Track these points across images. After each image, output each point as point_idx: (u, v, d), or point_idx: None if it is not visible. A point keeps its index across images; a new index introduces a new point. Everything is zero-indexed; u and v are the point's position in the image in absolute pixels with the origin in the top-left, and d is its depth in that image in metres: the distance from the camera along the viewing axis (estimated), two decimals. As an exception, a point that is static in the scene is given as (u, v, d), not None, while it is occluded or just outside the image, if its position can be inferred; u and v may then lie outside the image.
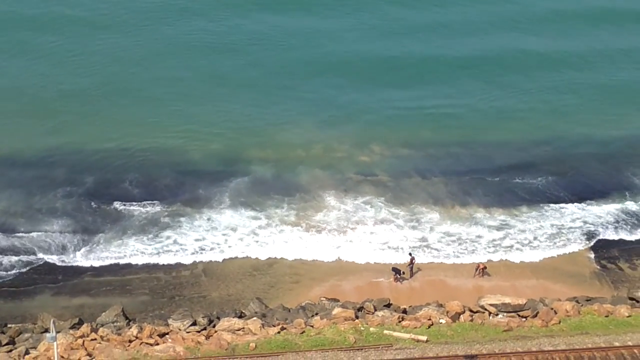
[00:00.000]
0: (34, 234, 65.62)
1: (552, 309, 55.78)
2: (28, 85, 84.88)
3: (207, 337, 52.04)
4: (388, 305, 57.03)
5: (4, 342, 51.39)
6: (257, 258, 64.33)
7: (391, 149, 78.91)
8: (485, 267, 62.79)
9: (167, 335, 52.15)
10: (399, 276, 61.88)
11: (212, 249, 64.96)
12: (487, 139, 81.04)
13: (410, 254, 62.94)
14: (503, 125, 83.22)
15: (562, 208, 71.29)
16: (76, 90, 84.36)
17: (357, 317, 54.68)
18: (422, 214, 69.71)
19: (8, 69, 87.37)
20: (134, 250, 64.43)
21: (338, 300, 58.38)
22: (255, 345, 51.04)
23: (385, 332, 52.68)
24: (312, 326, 53.58)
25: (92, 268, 62.71)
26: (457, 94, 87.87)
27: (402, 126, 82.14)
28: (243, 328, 52.96)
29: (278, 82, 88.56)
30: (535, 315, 55.27)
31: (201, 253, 64.53)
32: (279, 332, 52.52)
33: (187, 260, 63.90)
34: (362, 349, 50.76)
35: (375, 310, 55.96)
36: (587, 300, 58.05)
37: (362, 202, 71.16)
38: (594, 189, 74.09)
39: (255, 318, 54.33)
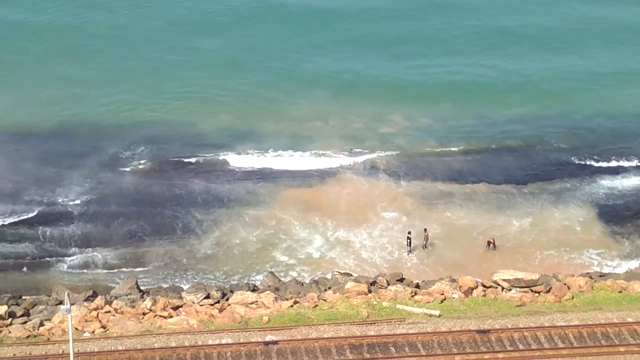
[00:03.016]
0: (50, 207, 65.98)
1: (565, 284, 55.68)
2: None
3: (221, 310, 52.21)
4: (401, 280, 57.06)
5: (18, 314, 51.67)
6: (270, 232, 64.26)
7: (411, 120, 78.91)
8: (494, 241, 62.62)
9: (180, 308, 52.35)
10: (409, 247, 62.01)
11: (224, 223, 64.96)
12: (507, 111, 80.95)
13: (425, 230, 62.91)
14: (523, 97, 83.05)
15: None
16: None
17: (369, 292, 54.73)
18: (439, 188, 69.67)
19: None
20: (149, 223, 64.68)
21: (351, 275, 58.51)
22: (268, 319, 51.22)
23: (398, 306, 52.75)
24: (324, 300, 53.68)
25: (106, 241, 62.92)
26: (478, 65, 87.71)
27: (422, 97, 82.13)
28: (256, 301, 53.12)
29: (293, 53, 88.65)
30: (549, 291, 55.20)
31: (214, 226, 64.59)
32: (291, 306, 52.65)
33: (201, 233, 64.00)
34: (374, 323, 50.86)
35: (388, 284, 56.01)
36: (601, 276, 57.91)
37: (381, 175, 71.18)
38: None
39: (268, 292, 54.46)
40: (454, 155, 74.95)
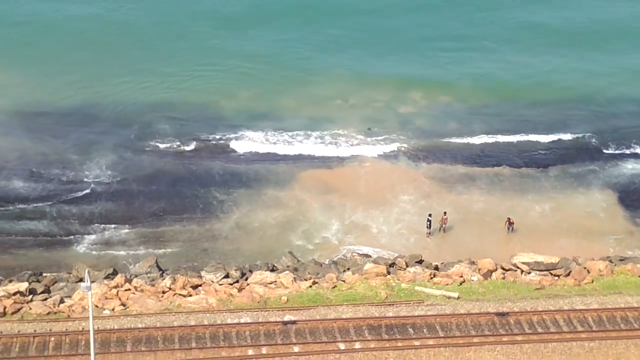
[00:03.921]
0: (71, 184, 66.31)
1: (585, 268, 55.47)
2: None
3: (240, 289, 52.36)
4: (420, 262, 56.99)
5: (39, 291, 52.00)
6: (289, 214, 64.31)
7: (432, 100, 78.70)
8: (512, 222, 62.40)
9: (200, 287, 52.54)
10: (429, 230, 61.92)
11: (243, 203, 65.04)
12: (530, 94, 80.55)
13: (444, 213, 62.76)
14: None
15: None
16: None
17: (388, 273, 54.71)
18: (459, 170, 69.48)
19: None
20: (169, 203, 64.85)
21: (370, 256, 58.51)
22: (287, 299, 51.32)
23: (417, 288, 52.73)
24: (343, 281, 53.73)
25: (127, 219, 63.17)
26: (501, 54, 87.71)
27: (442, 78, 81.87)
28: (275, 281, 53.22)
29: (314, 29, 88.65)
30: (568, 274, 55.02)
31: (234, 207, 64.66)
32: (310, 286, 52.72)
33: (220, 212, 64.14)
34: (393, 305, 50.87)
35: (407, 266, 55.95)
36: (621, 260, 57.63)
37: (400, 157, 71.07)
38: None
39: (287, 272, 54.54)
40: (475, 137, 74.79)
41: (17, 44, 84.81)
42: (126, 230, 62.00)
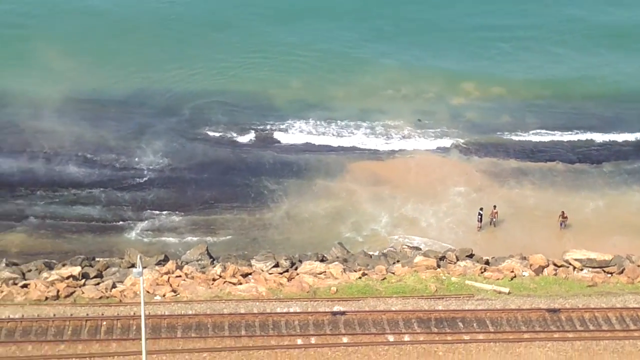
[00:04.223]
0: (124, 171, 66.97)
1: (639, 266, 54.72)
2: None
3: (289, 279, 52.50)
4: (470, 256, 56.68)
5: (92, 275, 52.61)
6: (339, 205, 64.26)
7: (485, 92, 78.12)
8: (566, 216, 61.66)
9: (250, 276, 52.77)
10: (480, 224, 61.54)
11: (294, 193, 65.14)
12: (584, 89, 79.69)
13: (494, 207, 62.30)
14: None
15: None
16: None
17: (438, 266, 54.51)
18: (511, 165, 68.95)
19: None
20: (220, 191, 65.16)
21: (420, 249, 58.30)
22: (336, 290, 51.34)
23: (467, 282, 52.44)
24: (393, 273, 53.62)
25: (179, 206, 63.62)
26: (556, 48, 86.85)
27: (494, 71, 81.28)
28: (324, 272, 53.27)
29: (364, 19, 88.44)
30: (621, 272, 54.35)
31: (284, 196, 64.77)
32: (360, 278, 52.69)
33: (271, 202, 64.33)
34: (443, 298, 50.66)
35: (458, 260, 55.68)
36: (677, 258, 56.82)
37: (451, 149, 70.76)
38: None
39: (336, 262, 54.57)
40: (527, 131, 74.10)
41: (72, 32, 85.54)
42: (178, 218, 62.43)
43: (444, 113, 76.08)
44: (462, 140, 72.67)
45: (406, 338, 47.45)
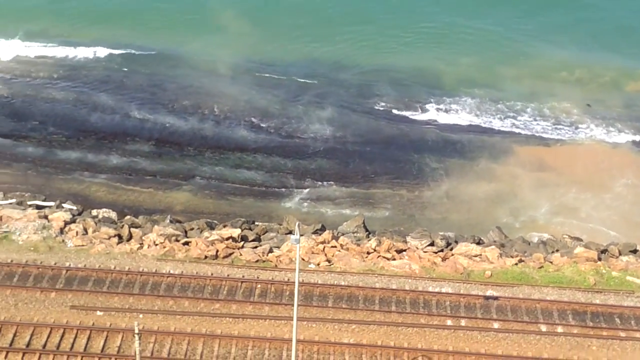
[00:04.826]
0: (289, 139, 68.13)
1: None
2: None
3: (444, 259, 52.15)
4: (634, 251, 54.59)
5: (250, 238, 53.88)
6: (500, 189, 63.20)
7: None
8: None
9: (404, 252, 52.73)
10: None
11: (455, 174, 64.56)
12: None
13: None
14: None
15: None
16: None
17: (599, 259, 52.81)
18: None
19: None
20: (382, 166, 65.32)
21: (581, 240, 56.61)
22: (491, 274, 50.65)
23: (628, 278, 50.67)
24: (551, 262, 52.39)
25: (339, 178, 64.14)
26: None
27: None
28: (480, 255, 52.62)
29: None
30: None
31: (445, 176, 64.26)
32: (516, 264, 51.78)
33: (431, 180, 63.96)
34: (601, 292, 49.16)
35: (620, 254, 53.81)
36: None
37: (622, 138, 68.40)
38: None
39: (493, 246, 53.77)
40: None
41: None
42: (337, 189, 62.99)
43: (617, 100, 73.33)
44: (634, 130, 69.85)
45: (559, 329, 46.38)
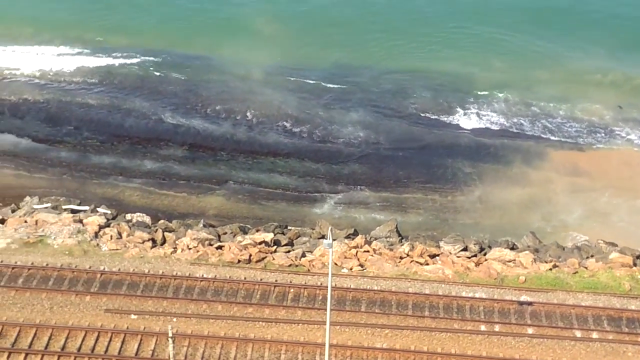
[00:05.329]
0: (322, 144, 68.25)
1: None
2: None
3: (477, 264, 51.90)
4: (672, 258, 54.04)
5: (283, 243, 53.93)
6: (534, 194, 62.80)
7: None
8: None
9: (437, 257, 52.56)
10: None
11: (489, 179, 64.22)
12: None
13: None
14: None
15: None
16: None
17: (634, 265, 52.30)
18: None
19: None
20: (415, 170, 65.19)
21: (616, 245, 56.08)
22: (525, 279, 50.32)
23: (665, 284, 50.17)
24: (585, 268, 51.93)
25: (372, 182, 64.07)
26: None
27: None
28: (514, 260, 52.30)
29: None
30: None
31: (479, 181, 63.97)
32: (550, 269, 51.38)
33: (464, 185, 63.73)
34: (636, 298, 48.67)
35: (656, 260, 53.27)
36: None
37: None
38: None
39: (527, 252, 53.40)
40: None
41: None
42: (370, 193, 62.98)
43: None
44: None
45: (594, 335, 45.98)
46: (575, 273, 51.23)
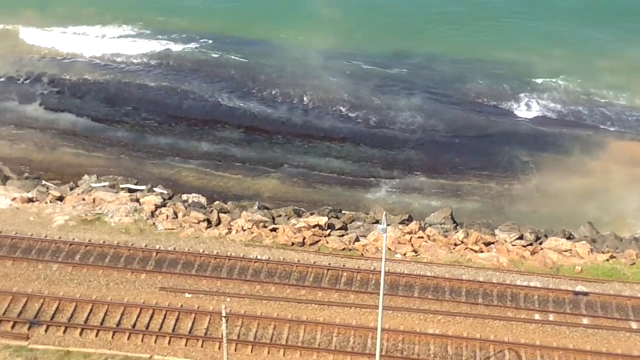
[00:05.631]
0: (378, 129, 67.96)
1: None
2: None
3: (532, 253, 51.41)
4: None
5: (337, 227, 53.96)
6: (592, 182, 61.93)
7: None
8: None
9: (492, 245, 52.17)
10: None
11: (547, 168, 63.53)
12: None
13: None
14: None
15: None
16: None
17: (694, 257, 51.43)
18: None
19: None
20: (471, 158, 64.71)
21: (677, 237, 55.18)
22: (581, 269, 49.74)
23: None
24: (643, 259, 51.23)
25: (428, 169, 63.79)
26: None
27: None
28: (570, 250, 51.69)
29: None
30: None
31: (536, 169, 63.32)
32: (607, 260, 50.73)
33: (521, 173, 63.08)
34: (695, 291, 47.87)
35: None
36: None
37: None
38: None
39: (584, 242, 52.74)
40: None
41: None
42: (425, 180, 62.68)
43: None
44: None
45: (651, 328, 45.39)
46: (632, 264, 50.53)
